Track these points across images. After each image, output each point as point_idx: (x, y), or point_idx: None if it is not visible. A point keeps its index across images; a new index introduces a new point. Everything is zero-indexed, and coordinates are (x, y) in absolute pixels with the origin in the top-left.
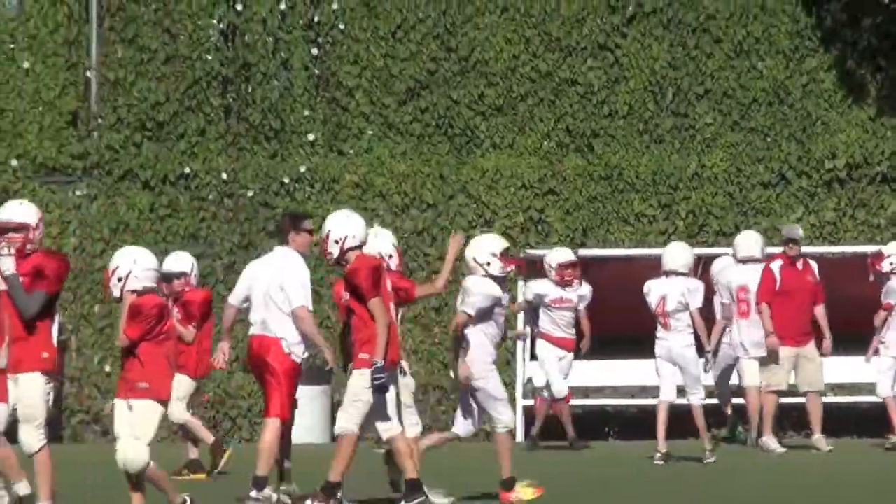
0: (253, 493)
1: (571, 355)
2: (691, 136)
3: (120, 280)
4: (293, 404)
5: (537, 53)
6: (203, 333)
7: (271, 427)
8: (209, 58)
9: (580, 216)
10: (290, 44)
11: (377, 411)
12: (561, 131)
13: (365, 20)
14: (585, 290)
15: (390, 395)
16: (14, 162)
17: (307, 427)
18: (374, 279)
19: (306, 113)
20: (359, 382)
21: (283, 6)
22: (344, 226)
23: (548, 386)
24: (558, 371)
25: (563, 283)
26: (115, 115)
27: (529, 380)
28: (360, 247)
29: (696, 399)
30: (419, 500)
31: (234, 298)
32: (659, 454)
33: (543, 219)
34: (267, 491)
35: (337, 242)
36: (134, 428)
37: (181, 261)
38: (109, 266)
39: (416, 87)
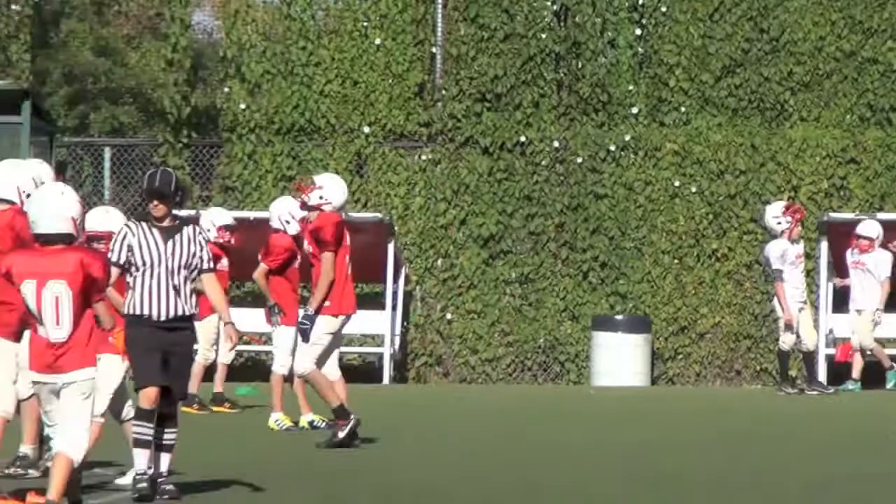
0: None
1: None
2: None
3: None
4: None
5: (842, 35)
6: None
7: None
8: (543, 36)
9: (879, 183)
10: (617, 24)
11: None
12: (863, 106)
13: (685, 3)
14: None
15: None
16: (366, 129)
17: (635, 371)
18: (337, 235)
19: (630, 87)
20: (321, 327)
21: None
22: (330, 187)
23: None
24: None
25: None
26: (458, 88)
27: (831, 330)
28: (335, 206)
29: None
30: (350, 424)
31: None
32: None
33: (845, 185)
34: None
35: (321, 198)
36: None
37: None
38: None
39: (731, 64)
